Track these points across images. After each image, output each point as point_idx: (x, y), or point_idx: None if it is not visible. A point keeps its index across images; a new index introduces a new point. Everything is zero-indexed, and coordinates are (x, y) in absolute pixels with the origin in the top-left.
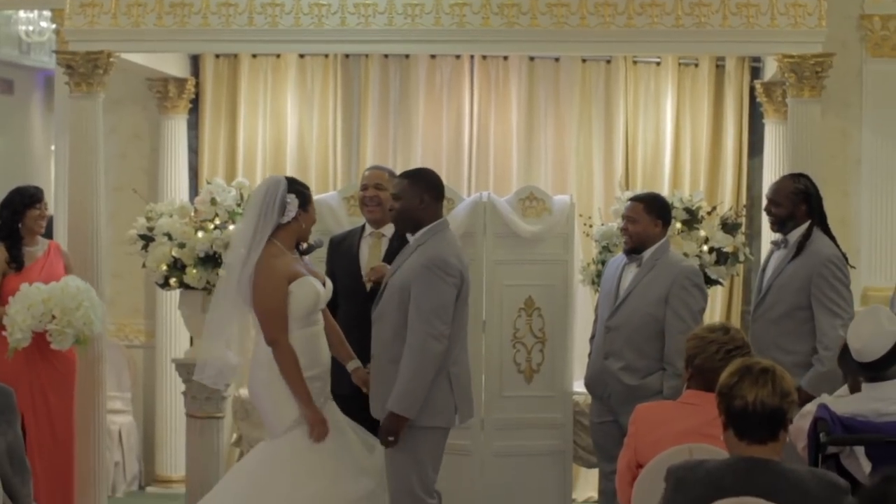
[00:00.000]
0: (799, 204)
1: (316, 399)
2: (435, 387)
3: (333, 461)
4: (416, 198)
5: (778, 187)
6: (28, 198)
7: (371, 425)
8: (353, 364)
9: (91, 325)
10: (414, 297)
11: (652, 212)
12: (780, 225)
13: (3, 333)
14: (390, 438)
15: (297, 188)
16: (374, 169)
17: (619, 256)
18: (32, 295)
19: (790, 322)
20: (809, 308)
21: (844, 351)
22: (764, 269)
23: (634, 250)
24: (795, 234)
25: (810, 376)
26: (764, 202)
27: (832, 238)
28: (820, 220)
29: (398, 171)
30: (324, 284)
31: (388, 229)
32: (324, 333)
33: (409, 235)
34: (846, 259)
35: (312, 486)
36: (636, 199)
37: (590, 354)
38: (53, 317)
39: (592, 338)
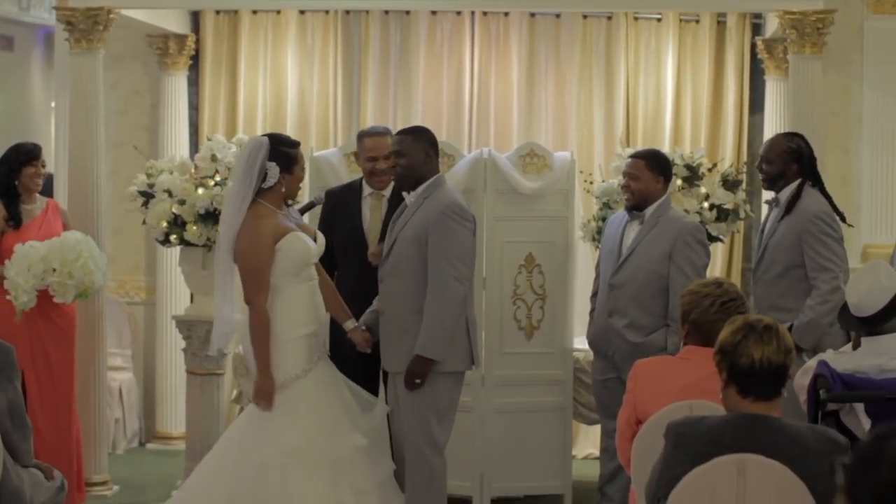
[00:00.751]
0: (790, 163)
1: (310, 356)
2: (455, 331)
3: (325, 418)
4: (421, 153)
5: (771, 145)
6: (24, 155)
7: (371, 385)
8: (350, 324)
9: (91, 275)
10: (435, 245)
11: (653, 168)
12: (770, 182)
13: (8, 298)
14: (417, 381)
15: (280, 150)
16: (374, 136)
17: (619, 213)
18: (30, 254)
19: (787, 281)
20: (804, 266)
21: (844, 307)
22: (762, 230)
23: (636, 207)
24: (786, 193)
25: (797, 326)
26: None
27: (828, 197)
28: (813, 180)
29: (398, 128)
30: (315, 239)
31: (387, 189)
32: (319, 289)
33: (405, 193)
34: (842, 216)
35: (301, 437)
36: (637, 156)
37: (591, 312)
38: (54, 270)
39: (594, 295)
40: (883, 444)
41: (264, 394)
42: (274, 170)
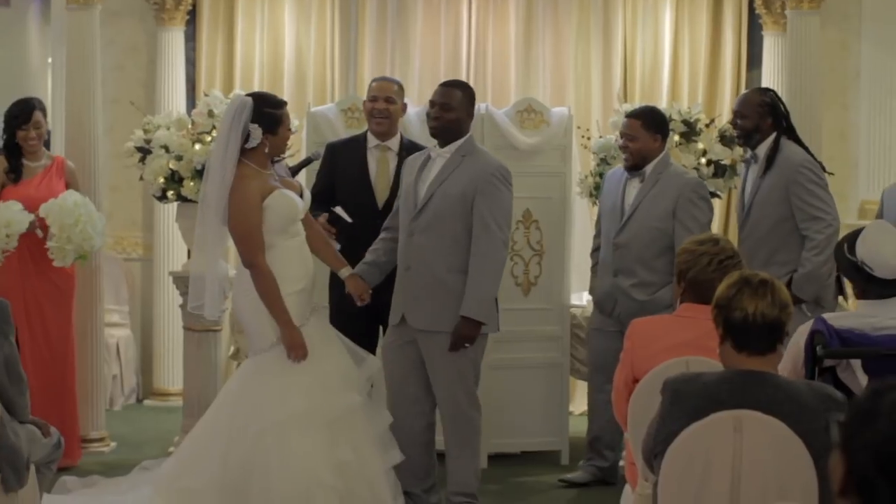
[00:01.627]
0: (765, 116)
1: (303, 312)
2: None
3: (322, 376)
4: (466, 109)
5: (744, 99)
6: (14, 118)
7: (372, 339)
8: (346, 271)
9: (91, 240)
10: (485, 206)
11: (650, 127)
12: (745, 138)
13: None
14: (466, 345)
15: (264, 112)
16: (382, 80)
17: (617, 170)
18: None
19: (778, 235)
20: (793, 218)
21: (846, 259)
22: (743, 189)
23: (635, 167)
24: (763, 148)
25: (795, 278)
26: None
27: (805, 147)
28: (789, 133)
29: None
30: (301, 195)
31: (394, 143)
32: (305, 246)
33: (433, 148)
34: (822, 166)
35: (298, 401)
36: (633, 116)
37: (593, 268)
38: (46, 227)
39: (595, 250)
40: (879, 398)
41: (295, 345)
42: (256, 131)
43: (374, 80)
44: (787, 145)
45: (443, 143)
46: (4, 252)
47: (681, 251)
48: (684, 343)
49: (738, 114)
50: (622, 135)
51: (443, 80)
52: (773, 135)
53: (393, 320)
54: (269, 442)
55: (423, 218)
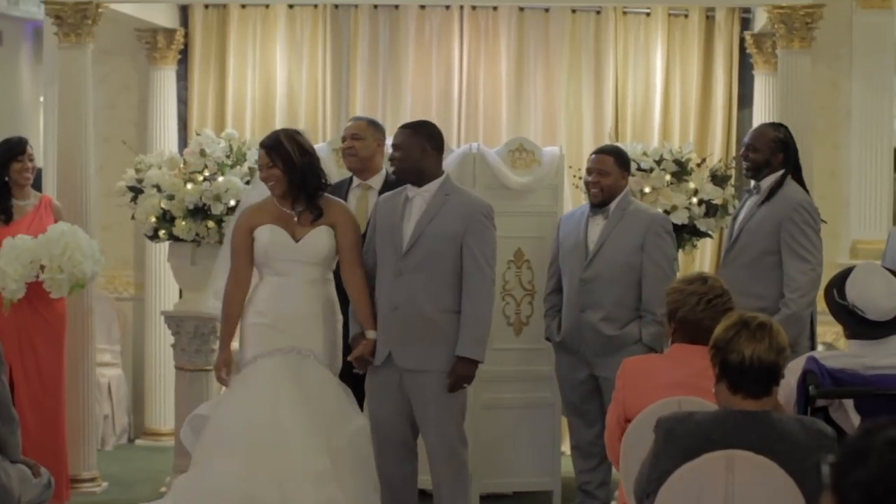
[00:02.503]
0: (776, 152)
1: (258, 345)
2: None
3: (254, 405)
4: (417, 148)
5: (758, 133)
6: (9, 150)
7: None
8: (371, 334)
9: (80, 265)
10: (475, 245)
11: (622, 164)
12: (754, 171)
13: None
14: (465, 385)
15: None
16: (353, 120)
17: (575, 210)
18: (20, 245)
19: (760, 267)
20: (779, 253)
21: (842, 308)
22: (736, 217)
23: (604, 203)
24: (768, 181)
25: (778, 320)
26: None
27: (806, 190)
28: (795, 172)
29: (389, 122)
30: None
31: (376, 181)
32: (289, 287)
33: (411, 188)
34: (818, 212)
35: (226, 424)
36: (605, 153)
37: (548, 311)
38: (43, 267)
39: (550, 293)
40: (871, 438)
41: (218, 365)
42: None
43: (348, 120)
44: (792, 184)
45: (409, 182)
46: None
47: (670, 291)
48: (676, 383)
49: (750, 147)
50: (592, 171)
51: (434, 119)
52: (781, 171)
53: (376, 360)
54: (198, 465)
55: (412, 258)
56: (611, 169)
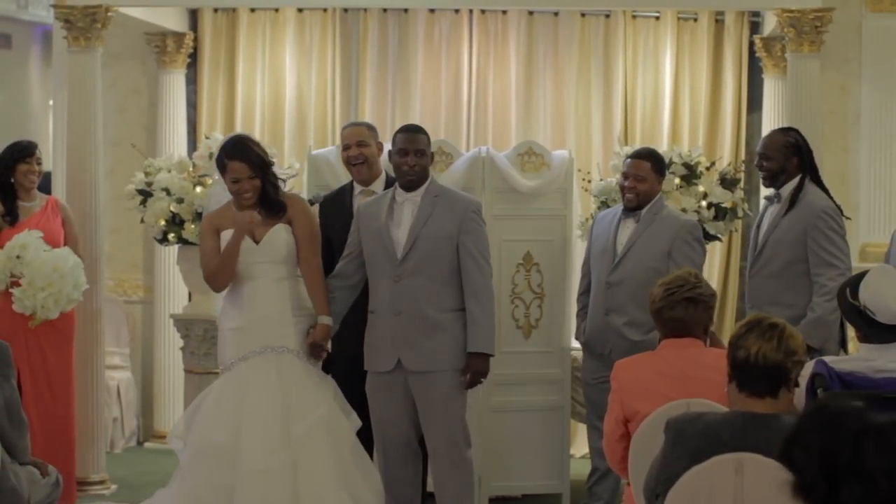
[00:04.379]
0: (790, 157)
1: (234, 351)
2: None
3: (212, 403)
4: (430, 153)
5: (768, 141)
6: (18, 152)
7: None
8: (325, 318)
9: (47, 310)
10: (471, 243)
11: (659, 170)
12: (771, 179)
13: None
14: (482, 380)
15: None
16: (350, 126)
17: (609, 211)
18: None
19: (788, 276)
20: (806, 261)
21: (853, 309)
22: (759, 226)
23: (638, 207)
24: (788, 188)
25: (804, 323)
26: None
27: (825, 190)
28: (812, 173)
29: (398, 126)
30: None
31: (378, 186)
32: (256, 289)
33: (401, 192)
34: (840, 210)
35: (197, 432)
36: (643, 158)
37: (580, 311)
38: (16, 283)
39: (582, 294)
40: (829, 409)
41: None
42: None
43: (344, 128)
44: (812, 189)
45: (411, 187)
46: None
47: (650, 294)
48: (670, 377)
49: (762, 156)
50: (629, 175)
51: (444, 123)
52: (799, 176)
53: (384, 366)
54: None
55: (410, 262)
56: (647, 174)
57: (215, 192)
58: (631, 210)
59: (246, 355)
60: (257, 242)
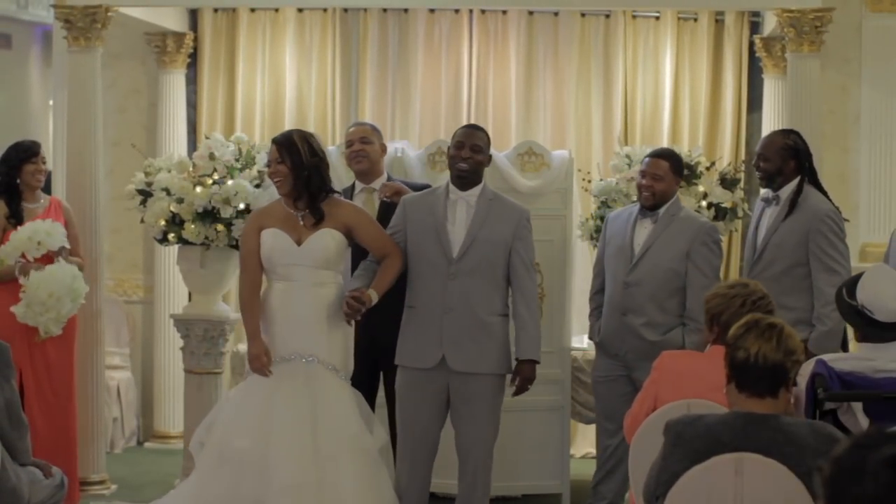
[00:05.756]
0: (787, 160)
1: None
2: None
3: (235, 413)
4: (489, 155)
5: (768, 142)
6: (24, 152)
7: (370, 384)
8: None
9: (50, 332)
10: (523, 250)
11: (677, 171)
12: (768, 180)
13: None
14: (529, 387)
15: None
16: (355, 125)
17: (623, 210)
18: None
19: (789, 279)
20: (807, 264)
21: (851, 308)
22: (756, 228)
23: (655, 206)
24: (786, 191)
25: (815, 336)
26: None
27: (824, 193)
28: (810, 176)
29: (398, 126)
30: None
31: (378, 184)
32: (294, 292)
33: (455, 190)
34: (840, 212)
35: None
36: (661, 157)
37: (593, 311)
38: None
39: (596, 293)
40: (865, 454)
41: (251, 357)
42: None
43: (349, 127)
44: (812, 192)
45: (465, 186)
46: (23, 258)
47: (711, 296)
48: (707, 383)
49: (761, 156)
50: (647, 174)
51: (443, 123)
52: (797, 179)
53: (426, 363)
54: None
55: (467, 262)
56: (665, 174)
57: (268, 189)
58: (647, 209)
59: (274, 360)
60: (300, 245)
